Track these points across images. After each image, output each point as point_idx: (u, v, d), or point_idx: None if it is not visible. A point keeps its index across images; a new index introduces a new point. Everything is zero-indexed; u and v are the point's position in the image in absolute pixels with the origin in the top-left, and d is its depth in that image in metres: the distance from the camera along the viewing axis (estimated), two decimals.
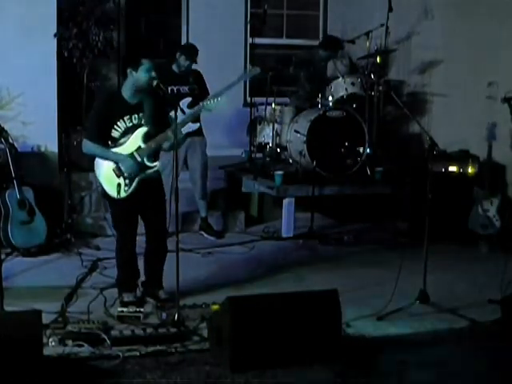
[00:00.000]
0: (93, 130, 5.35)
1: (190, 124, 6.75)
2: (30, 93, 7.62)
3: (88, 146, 5.32)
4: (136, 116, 5.32)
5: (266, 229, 7.96)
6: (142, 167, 5.33)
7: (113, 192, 5.34)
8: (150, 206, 5.47)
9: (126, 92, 5.33)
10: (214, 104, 5.62)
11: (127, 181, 5.32)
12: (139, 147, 5.32)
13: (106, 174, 5.36)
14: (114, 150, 5.32)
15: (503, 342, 4.92)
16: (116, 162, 5.31)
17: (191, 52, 7.48)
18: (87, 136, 5.36)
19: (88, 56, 8.29)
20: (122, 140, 5.32)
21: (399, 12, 8.62)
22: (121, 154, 5.31)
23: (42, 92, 7.76)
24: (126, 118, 5.30)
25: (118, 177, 5.32)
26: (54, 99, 7.96)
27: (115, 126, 5.29)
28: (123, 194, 5.33)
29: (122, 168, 5.30)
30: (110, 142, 5.33)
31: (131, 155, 5.30)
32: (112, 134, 5.30)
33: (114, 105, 5.33)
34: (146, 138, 5.31)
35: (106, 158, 5.34)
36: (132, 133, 5.31)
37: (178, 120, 5.25)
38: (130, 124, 5.31)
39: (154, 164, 5.36)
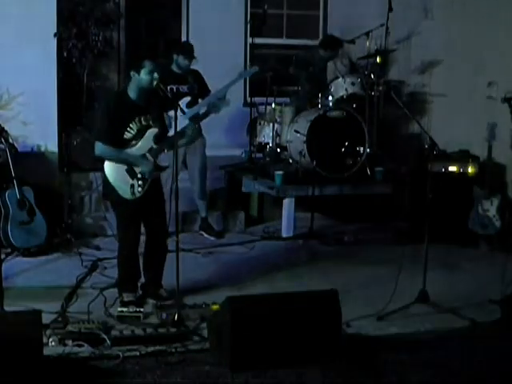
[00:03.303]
0: (105, 132, 5.27)
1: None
2: (29, 93, 7.63)
3: (101, 148, 5.27)
4: (145, 117, 5.36)
5: (266, 229, 7.96)
6: (156, 167, 5.38)
7: (127, 193, 5.33)
8: (152, 207, 5.50)
9: (133, 94, 5.34)
10: (222, 105, 5.64)
11: (141, 182, 5.34)
12: (151, 148, 5.35)
13: (118, 176, 5.33)
14: (127, 151, 5.34)
15: (503, 341, 4.92)
16: (130, 164, 5.32)
17: (188, 50, 7.48)
18: (100, 138, 5.28)
19: (88, 56, 8.30)
20: (134, 141, 5.34)
21: (399, 12, 8.62)
22: (138, 156, 5.33)
23: (42, 92, 7.76)
24: (137, 120, 5.32)
25: (132, 178, 5.33)
26: (54, 99, 7.96)
27: (128, 128, 5.30)
28: (138, 195, 5.35)
29: (141, 169, 5.32)
30: (121, 144, 5.33)
31: (144, 156, 5.35)
32: (124, 136, 5.30)
33: (124, 106, 5.32)
34: (157, 138, 5.35)
35: (123, 161, 5.31)
36: (142, 134, 5.33)
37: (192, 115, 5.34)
38: (141, 125, 5.34)
39: (166, 164, 5.40)
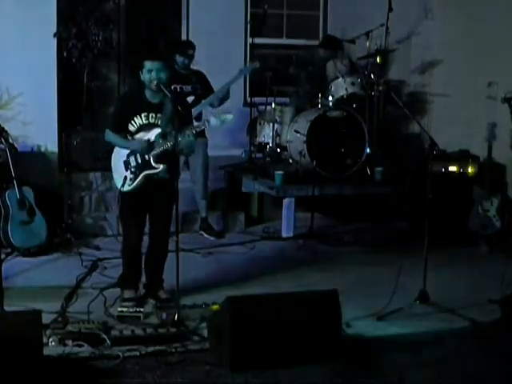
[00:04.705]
0: (112, 121, 5.61)
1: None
2: (29, 93, 7.63)
3: (108, 135, 5.57)
4: (153, 115, 5.41)
5: (266, 229, 7.95)
6: (147, 165, 5.41)
7: (119, 183, 5.51)
8: (156, 207, 5.52)
9: (147, 91, 5.45)
10: (222, 120, 5.59)
11: (132, 176, 5.42)
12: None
13: (117, 165, 5.53)
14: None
15: (503, 341, 4.92)
16: (128, 156, 5.44)
17: (183, 48, 7.52)
18: (108, 127, 5.59)
19: (88, 56, 8.30)
20: (138, 136, 5.44)
21: (399, 12, 8.62)
22: (132, 141, 5.46)
23: (42, 92, 7.77)
24: (143, 115, 5.41)
25: (126, 170, 5.45)
26: (54, 99, 7.96)
27: (132, 121, 5.42)
28: (126, 188, 5.46)
29: (134, 149, 5.43)
30: (127, 135, 5.49)
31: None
32: (129, 128, 5.45)
33: (133, 100, 5.51)
34: (159, 138, 5.38)
35: (122, 146, 5.51)
36: (148, 131, 5.41)
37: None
38: (146, 121, 5.42)
39: (158, 165, 5.41)
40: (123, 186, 5.46)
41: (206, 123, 5.42)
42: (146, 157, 5.38)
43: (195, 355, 4.57)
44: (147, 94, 5.43)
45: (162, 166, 5.40)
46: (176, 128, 5.16)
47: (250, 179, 8.09)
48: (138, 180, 5.42)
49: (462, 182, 7.56)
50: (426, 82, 9.00)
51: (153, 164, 5.41)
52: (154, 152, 5.36)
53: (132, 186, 5.44)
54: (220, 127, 5.51)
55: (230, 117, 5.48)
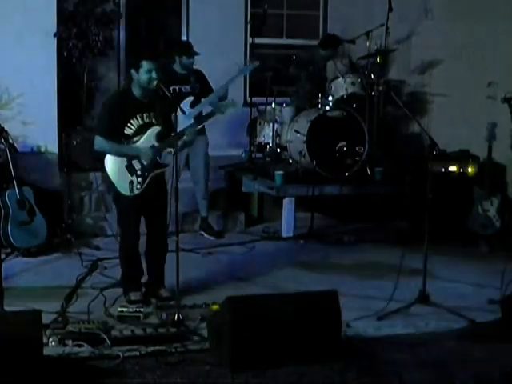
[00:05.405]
0: (106, 127, 5.34)
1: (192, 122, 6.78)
2: (29, 93, 7.62)
3: (101, 143, 5.33)
4: (148, 114, 5.37)
5: (266, 229, 7.96)
6: (156, 165, 5.39)
7: (125, 190, 5.36)
8: (154, 205, 5.51)
9: (136, 91, 5.37)
10: (228, 106, 5.69)
11: (140, 179, 5.36)
12: (153, 146, 5.37)
13: (117, 172, 5.37)
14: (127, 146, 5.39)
15: (503, 341, 4.92)
16: (129, 160, 5.34)
17: (188, 49, 7.51)
18: (100, 133, 5.34)
19: (88, 56, 8.30)
20: (136, 138, 5.36)
21: (399, 12, 8.63)
22: (139, 148, 5.33)
23: (42, 92, 7.75)
24: (138, 116, 5.35)
25: (131, 174, 5.35)
26: (54, 99, 7.95)
27: (128, 124, 5.33)
28: (136, 192, 5.37)
29: (142, 161, 5.33)
30: (122, 140, 5.36)
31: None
32: (125, 132, 5.33)
33: (126, 102, 5.37)
34: (159, 137, 5.37)
35: (123, 154, 5.35)
36: (144, 131, 5.35)
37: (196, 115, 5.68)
38: (143, 122, 5.36)
39: (167, 163, 5.40)
40: (131, 191, 5.34)
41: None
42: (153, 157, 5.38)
43: (195, 355, 4.57)
44: (137, 93, 5.36)
45: (169, 162, 5.41)
46: (176, 128, 5.17)
47: (249, 179, 8.09)
48: (147, 181, 5.38)
49: (462, 182, 7.56)
50: (426, 82, 9.00)
51: (161, 163, 5.42)
52: (159, 153, 5.38)
53: (141, 189, 5.37)
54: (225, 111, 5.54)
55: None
